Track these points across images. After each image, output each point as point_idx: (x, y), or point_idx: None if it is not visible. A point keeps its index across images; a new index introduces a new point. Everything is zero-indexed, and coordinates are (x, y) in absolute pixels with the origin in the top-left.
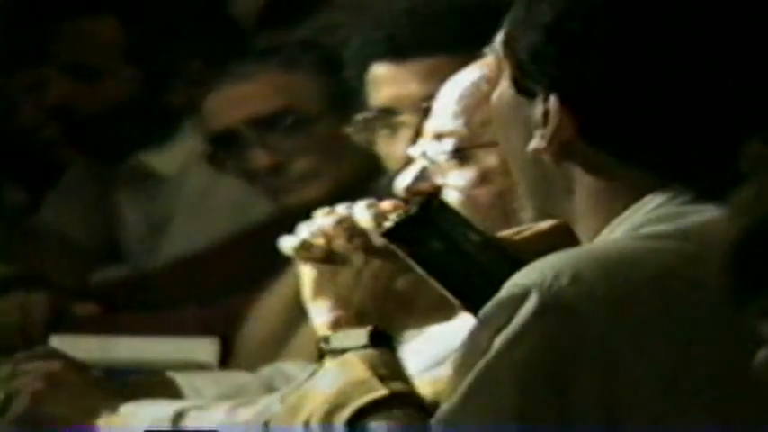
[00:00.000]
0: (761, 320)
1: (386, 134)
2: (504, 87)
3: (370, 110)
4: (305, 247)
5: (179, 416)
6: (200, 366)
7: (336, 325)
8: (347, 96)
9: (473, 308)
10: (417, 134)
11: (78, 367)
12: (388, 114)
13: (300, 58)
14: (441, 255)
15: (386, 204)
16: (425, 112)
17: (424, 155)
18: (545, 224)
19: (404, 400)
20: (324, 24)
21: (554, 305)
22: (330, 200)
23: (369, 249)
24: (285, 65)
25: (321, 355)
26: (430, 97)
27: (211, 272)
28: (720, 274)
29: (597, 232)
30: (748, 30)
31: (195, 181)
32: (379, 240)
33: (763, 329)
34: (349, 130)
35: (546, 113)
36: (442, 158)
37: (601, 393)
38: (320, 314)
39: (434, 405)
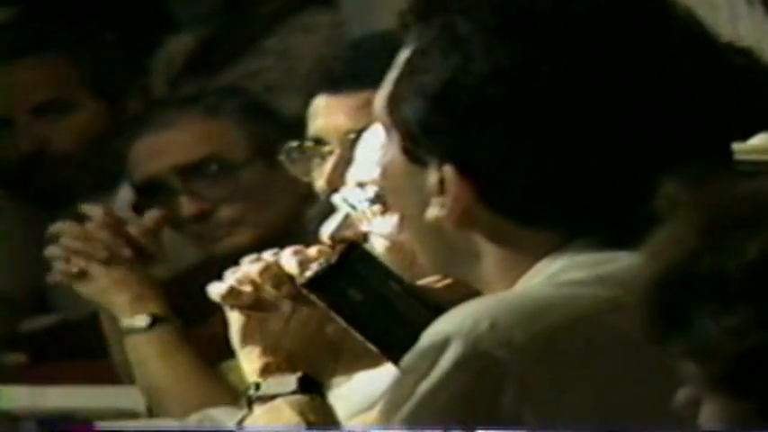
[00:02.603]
0: (680, 361)
1: (317, 163)
2: (395, 155)
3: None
4: (233, 294)
5: None
6: (129, 414)
7: (266, 371)
8: (273, 142)
9: (393, 357)
10: (340, 165)
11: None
12: (317, 143)
13: (223, 105)
14: (360, 305)
15: (312, 251)
16: (351, 144)
17: (345, 201)
18: None
19: None
20: (250, 70)
21: (474, 353)
22: (257, 246)
23: (296, 296)
24: (208, 112)
25: (249, 402)
26: (356, 130)
27: None
28: (638, 318)
29: (500, 283)
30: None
31: None
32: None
33: (683, 370)
34: (281, 158)
35: (442, 181)
36: (364, 205)
37: None
38: (250, 361)
39: None
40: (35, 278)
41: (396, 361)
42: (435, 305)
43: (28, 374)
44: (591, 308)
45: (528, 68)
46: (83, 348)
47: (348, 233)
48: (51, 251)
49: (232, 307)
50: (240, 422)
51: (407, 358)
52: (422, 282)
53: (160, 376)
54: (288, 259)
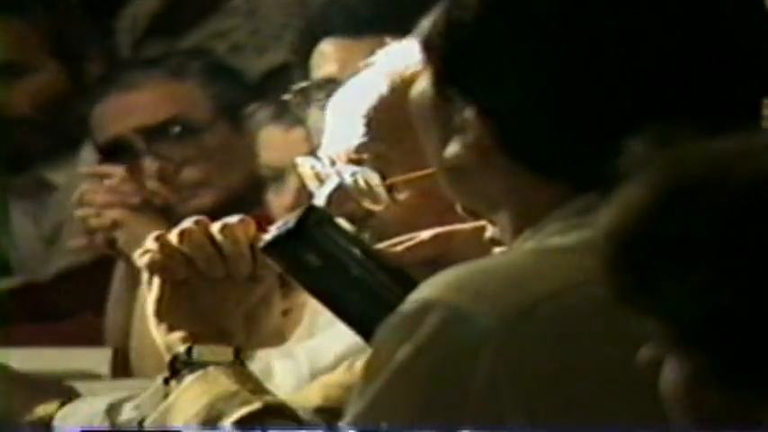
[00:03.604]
0: (643, 319)
1: (321, 105)
2: (426, 86)
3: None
4: (162, 266)
5: (112, 409)
6: (92, 376)
7: (193, 340)
8: (237, 104)
9: (350, 322)
10: None
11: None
12: (329, 83)
13: (187, 67)
14: (317, 270)
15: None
16: None
17: (339, 174)
18: (426, 234)
19: (276, 412)
20: (216, 30)
21: (455, 320)
22: (220, 209)
23: (230, 275)
24: (172, 73)
25: (175, 368)
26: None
27: (103, 282)
28: (606, 274)
29: (513, 237)
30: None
31: None
32: (239, 268)
33: (645, 328)
34: (287, 97)
35: (464, 120)
36: (377, 188)
37: (491, 401)
38: (169, 328)
39: (323, 409)
40: None
41: (353, 326)
42: (397, 269)
43: None
44: (574, 278)
45: (566, 19)
46: (46, 310)
47: (344, 206)
48: (82, 212)
49: (162, 278)
50: (166, 383)
51: (387, 322)
52: (385, 244)
53: None
54: (217, 235)
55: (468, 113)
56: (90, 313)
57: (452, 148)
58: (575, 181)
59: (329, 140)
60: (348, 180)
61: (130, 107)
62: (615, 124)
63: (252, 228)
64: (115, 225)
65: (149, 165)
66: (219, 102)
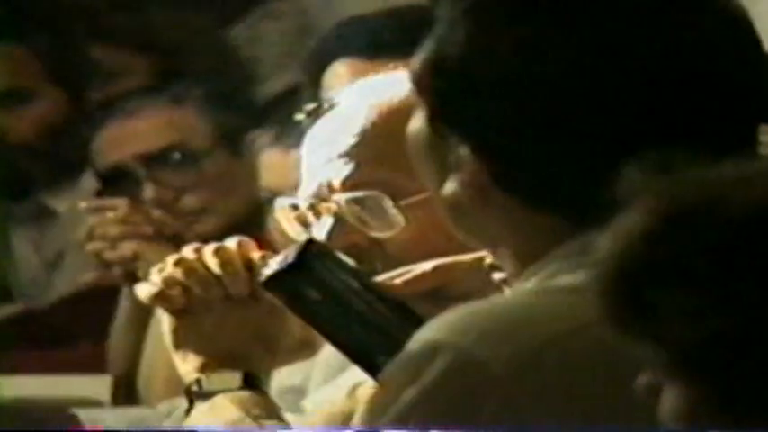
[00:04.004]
0: (640, 347)
1: None
2: (420, 124)
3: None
4: (161, 297)
5: None
6: (93, 404)
7: (205, 369)
8: (237, 131)
9: (351, 355)
10: None
11: None
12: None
13: (187, 94)
14: (317, 303)
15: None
16: None
17: (339, 206)
18: (427, 266)
19: None
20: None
21: (461, 364)
22: (221, 235)
23: (228, 296)
24: (172, 100)
25: (190, 398)
26: None
27: (104, 308)
28: (603, 300)
29: (516, 274)
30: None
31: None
32: (236, 288)
33: (642, 355)
34: (300, 117)
35: (459, 159)
36: (390, 211)
37: None
38: (185, 360)
39: None
40: None
41: (355, 359)
42: (397, 302)
43: None
44: (581, 319)
45: (549, 50)
46: (46, 337)
47: (346, 239)
48: (93, 246)
49: (163, 309)
50: (186, 415)
51: (393, 364)
52: (384, 277)
53: None
54: (210, 258)
55: (463, 151)
56: (91, 340)
57: (450, 186)
58: (572, 215)
59: (309, 180)
60: (351, 209)
61: (131, 134)
62: (609, 157)
63: (249, 247)
64: (136, 257)
65: (149, 192)
66: (219, 128)
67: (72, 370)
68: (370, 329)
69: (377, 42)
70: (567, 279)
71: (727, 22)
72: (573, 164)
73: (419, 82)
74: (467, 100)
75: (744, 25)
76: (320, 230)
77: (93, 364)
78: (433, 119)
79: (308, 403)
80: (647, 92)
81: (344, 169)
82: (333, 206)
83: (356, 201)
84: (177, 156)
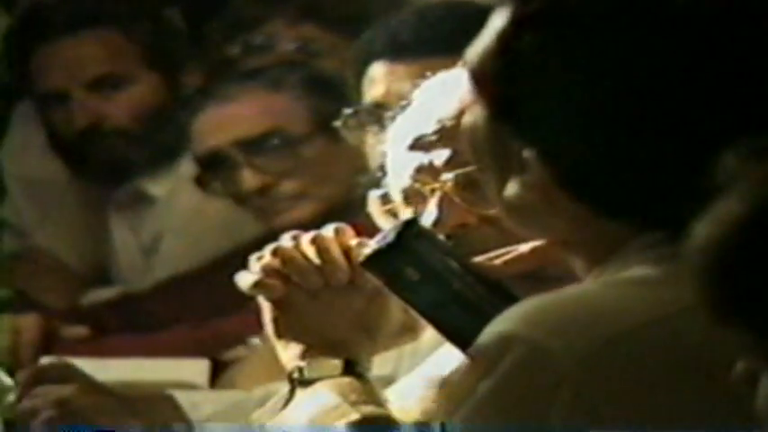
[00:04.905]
0: (739, 334)
1: (375, 130)
2: (479, 121)
3: (360, 105)
4: (261, 286)
5: None
6: (190, 387)
7: (306, 355)
8: (334, 116)
9: (450, 336)
10: None
11: (91, 388)
12: (377, 109)
13: (285, 79)
14: (416, 284)
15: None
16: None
17: (442, 185)
18: (525, 247)
19: (377, 423)
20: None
21: (534, 357)
22: (319, 220)
23: (328, 284)
24: (270, 85)
25: (292, 385)
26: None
27: (201, 293)
28: (695, 292)
29: (587, 271)
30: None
31: (185, 202)
32: (334, 275)
33: (741, 342)
34: (337, 123)
35: (522, 161)
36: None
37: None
38: (287, 347)
39: (421, 423)
40: (96, 251)
41: (452, 339)
42: (495, 282)
43: (89, 347)
44: (653, 311)
45: (624, 58)
46: (144, 321)
47: (456, 218)
48: None
49: (265, 299)
50: (285, 405)
51: (470, 354)
52: (482, 258)
53: None
54: (307, 247)
55: (528, 154)
56: (187, 325)
57: (512, 188)
58: (639, 218)
59: (399, 170)
60: (460, 187)
61: (228, 120)
62: (676, 160)
63: (347, 234)
64: None
65: (247, 178)
66: (317, 114)
67: (169, 354)
68: (468, 310)
69: (397, 45)
70: (638, 271)
71: None
72: (644, 170)
73: (480, 76)
74: (535, 103)
75: None
76: (428, 214)
77: (191, 349)
78: (495, 119)
79: (389, 393)
80: (710, 97)
81: (443, 152)
82: (438, 185)
83: (465, 178)
84: (275, 141)
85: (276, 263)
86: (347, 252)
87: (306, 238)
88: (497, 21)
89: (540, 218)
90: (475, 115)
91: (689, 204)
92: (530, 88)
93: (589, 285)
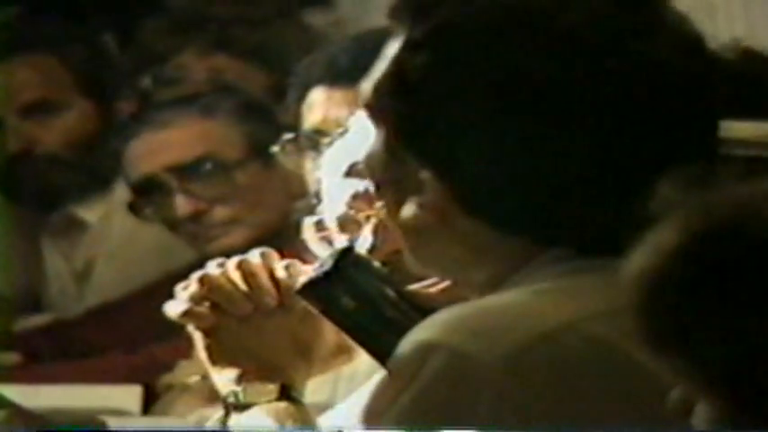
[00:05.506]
0: (673, 363)
1: (312, 156)
2: (378, 147)
3: (299, 131)
4: (190, 315)
5: None
6: (123, 414)
7: (242, 380)
8: (268, 142)
9: (386, 364)
10: None
11: (26, 416)
12: (315, 135)
13: (220, 104)
14: (352, 312)
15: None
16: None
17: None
18: None
19: None
20: None
21: (455, 362)
22: (251, 247)
23: (258, 309)
24: (204, 111)
25: (226, 410)
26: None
27: (134, 319)
28: (630, 321)
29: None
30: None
31: (117, 228)
32: (262, 300)
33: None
34: (275, 149)
35: (420, 181)
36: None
37: None
38: (221, 373)
39: None
40: (28, 278)
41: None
42: (430, 310)
43: (22, 374)
44: (571, 315)
45: (513, 76)
46: (76, 347)
47: (391, 246)
48: None
49: (194, 327)
50: (221, 426)
51: (390, 366)
52: (418, 286)
53: None
54: (234, 272)
55: (424, 175)
56: (120, 351)
57: (409, 209)
58: (541, 236)
59: (334, 196)
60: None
61: (162, 145)
62: (581, 175)
63: (271, 258)
64: None
65: (181, 203)
66: (250, 140)
67: (102, 380)
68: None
69: (335, 71)
70: (553, 284)
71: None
72: (543, 184)
73: (376, 104)
74: (430, 122)
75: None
76: (364, 240)
77: (123, 375)
78: (392, 141)
79: (322, 419)
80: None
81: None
82: (373, 212)
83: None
84: (209, 166)
85: (203, 291)
86: (273, 276)
87: (231, 264)
88: (390, 48)
89: (435, 241)
90: (375, 145)
91: (594, 218)
92: (424, 108)
93: (504, 295)
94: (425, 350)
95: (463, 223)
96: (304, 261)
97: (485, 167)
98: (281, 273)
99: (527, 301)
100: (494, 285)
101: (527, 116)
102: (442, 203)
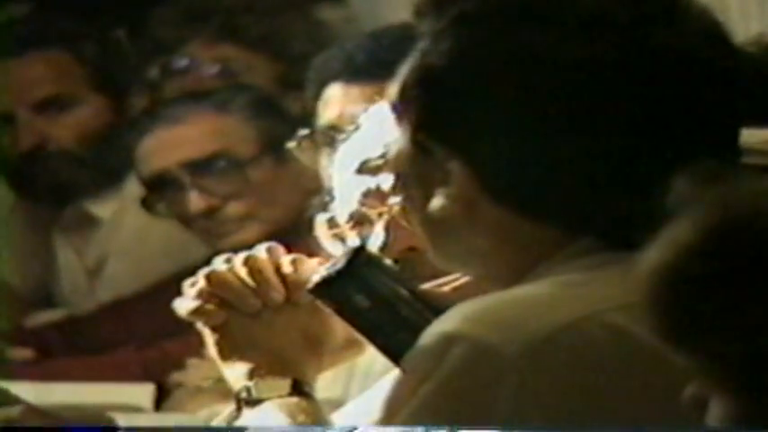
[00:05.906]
0: (688, 359)
1: (328, 152)
2: (404, 143)
3: (314, 127)
4: (199, 312)
5: None
6: (135, 411)
7: (253, 374)
8: (281, 138)
9: (400, 362)
10: None
11: (38, 414)
12: (331, 131)
13: (233, 101)
14: (366, 311)
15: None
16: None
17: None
18: None
19: None
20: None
21: (476, 354)
22: (265, 242)
23: (266, 304)
24: (217, 107)
25: (238, 405)
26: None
27: (146, 315)
28: (645, 317)
29: (516, 283)
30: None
31: (130, 224)
32: (269, 295)
33: (690, 367)
34: (291, 145)
35: (447, 172)
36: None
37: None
38: (233, 368)
39: None
40: (41, 273)
41: (399, 365)
42: (443, 309)
43: (34, 369)
44: (592, 306)
45: (539, 61)
46: (88, 343)
47: (403, 243)
48: None
49: (204, 324)
50: (230, 422)
51: (409, 358)
52: (431, 285)
53: None
54: (240, 268)
55: (452, 165)
56: (132, 347)
57: (437, 202)
58: (566, 224)
59: (346, 194)
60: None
61: (175, 141)
62: (606, 164)
63: (278, 253)
64: None
65: (194, 199)
66: (264, 136)
67: (114, 376)
68: (417, 337)
69: (352, 67)
70: (577, 276)
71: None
72: (568, 171)
73: (403, 97)
74: (457, 110)
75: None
76: (376, 238)
77: (135, 370)
78: (418, 133)
79: (336, 417)
80: (634, 102)
81: (390, 176)
82: (385, 209)
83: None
84: (222, 163)
85: (210, 288)
86: (280, 271)
87: (238, 260)
88: (416, 48)
89: (462, 233)
90: (401, 141)
91: (621, 208)
92: (450, 95)
93: (526, 286)
94: (447, 341)
95: (491, 213)
96: (311, 255)
97: (511, 153)
98: (287, 268)
99: (553, 293)
100: (518, 278)
101: (552, 102)
102: (470, 193)
